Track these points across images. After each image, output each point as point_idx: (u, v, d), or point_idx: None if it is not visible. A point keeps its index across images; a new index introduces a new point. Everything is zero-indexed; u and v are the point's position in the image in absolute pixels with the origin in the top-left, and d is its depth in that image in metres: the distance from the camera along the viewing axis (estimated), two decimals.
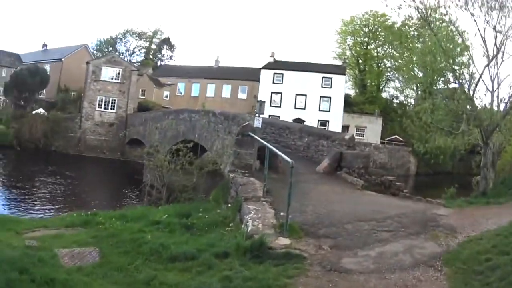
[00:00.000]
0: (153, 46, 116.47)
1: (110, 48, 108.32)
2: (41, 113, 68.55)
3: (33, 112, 68.35)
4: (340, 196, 15.82)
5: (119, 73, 66.99)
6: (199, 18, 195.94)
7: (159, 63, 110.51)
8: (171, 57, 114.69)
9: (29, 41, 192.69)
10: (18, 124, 64.59)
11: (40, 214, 28.72)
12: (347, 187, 18.06)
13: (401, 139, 73.97)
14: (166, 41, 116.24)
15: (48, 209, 31.53)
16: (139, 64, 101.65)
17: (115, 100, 66.41)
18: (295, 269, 8.46)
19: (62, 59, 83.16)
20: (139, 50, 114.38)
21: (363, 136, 75.61)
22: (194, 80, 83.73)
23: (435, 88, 34.71)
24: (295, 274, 8.24)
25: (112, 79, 66.73)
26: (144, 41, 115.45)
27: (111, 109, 66.34)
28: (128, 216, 14.84)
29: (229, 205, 15.08)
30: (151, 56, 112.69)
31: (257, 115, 21.87)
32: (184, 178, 25.18)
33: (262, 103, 21.92)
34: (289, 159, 11.19)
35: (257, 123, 21.00)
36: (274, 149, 14.56)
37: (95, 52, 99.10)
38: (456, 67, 27.73)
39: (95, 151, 64.35)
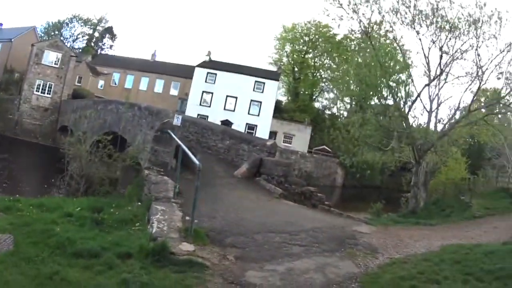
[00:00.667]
0: (96, 34, 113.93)
1: (56, 32, 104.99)
2: None
3: None
4: (255, 204, 15.59)
5: (58, 58, 65.49)
6: (144, 10, 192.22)
7: (99, 51, 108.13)
8: (111, 46, 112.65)
9: None
10: None
11: None
12: (264, 194, 17.84)
13: (329, 150, 73.63)
14: (109, 30, 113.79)
15: None
16: (80, 50, 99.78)
17: (51, 85, 64.86)
18: (195, 278, 7.99)
19: (12, 40, 79.51)
20: (82, 37, 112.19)
21: (291, 144, 75.34)
22: (129, 72, 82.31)
23: (368, 103, 34.46)
24: (193, 284, 7.80)
25: (52, 63, 65.16)
26: (88, 27, 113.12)
27: (47, 93, 64.73)
28: (46, 205, 14.04)
29: (140, 203, 14.35)
30: (92, 44, 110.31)
31: (177, 113, 21.78)
32: (105, 171, 24.18)
33: (183, 101, 21.75)
34: (197, 161, 10.71)
35: (177, 121, 20.72)
36: (186, 149, 13.91)
37: (42, 35, 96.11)
38: (393, 84, 28.01)
39: (29, 136, 62.70)
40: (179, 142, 15.72)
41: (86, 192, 22.43)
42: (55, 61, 65.44)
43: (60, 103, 64.52)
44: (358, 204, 39.66)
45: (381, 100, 29.88)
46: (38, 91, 64.47)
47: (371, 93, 31.28)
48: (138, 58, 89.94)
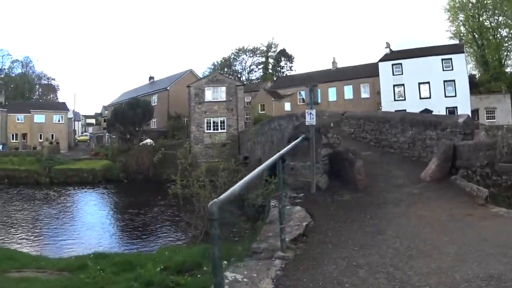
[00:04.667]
0: (271, 60, 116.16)
1: (226, 70, 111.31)
2: (149, 143, 68.70)
3: (140, 143, 69.53)
4: (443, 230, 9.41)
5: (223, 91, 64.82)
6: (310, 23, 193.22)
7: (280, 75, 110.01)
8: (291, 67, 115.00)
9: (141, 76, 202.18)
10: (124, 157, 66.11)
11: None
12: (462, 203, 11.73)
13: None
14: (283, 53, 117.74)
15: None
16: (259, 80, 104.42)
17: (224, 120, 64.23)
18: None
19: (168, 88, 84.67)
20: (257, 66, 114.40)
21: (494, 119, 66.73)
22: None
23: None
24: None
25: (216, 98, 64.71)
26: (259, 56, 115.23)
27: (221, 129, 64.13)
28: (132, 262, 13.25)
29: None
30: (270, 70, 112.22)
31: (308, 107, 14.15)
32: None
33: (313, 88, 14.44)
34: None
35: (310, 119, 13.57)
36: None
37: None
38: None
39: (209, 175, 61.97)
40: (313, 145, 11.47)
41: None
42: (220, 96, 64.63)
43: (238, 135, 63.12)
44: None
45: None
46: (210, 129, 63.84)
47: None
48: (319, 70, 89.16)
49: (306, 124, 13.57)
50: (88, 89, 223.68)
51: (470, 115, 56.64)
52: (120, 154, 67.99)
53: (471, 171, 13.91)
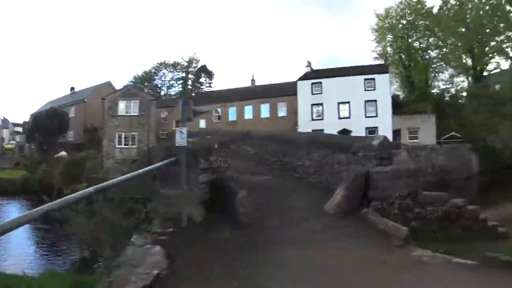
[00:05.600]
0: (191, 76, 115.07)
1: (146, 83, 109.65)
2: (62, 156, 67.04)
3: (55, 155, 68.19)
4: (353, 282, 7.08)
5: (137, 105, 61.62)
6: (233, 40, 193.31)
7: (199, 91, 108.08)
8: (210, 84, 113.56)
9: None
10: (40, 169, 64.51)
11: None
12: (373, 245, 9.27)
13: (459, 136, 67.44)
14: (203, 69, 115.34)
15: None
16: (178, 96, 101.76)
17: (135, 135, 60.84)
18: None
19: (85, 99, 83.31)
20: (176, 82, 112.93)
21: (417, 139, 67.45)
22: (230, 104, 78.27)
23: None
24: None
25: (129, 112, 61.44)
26: (179, 71, 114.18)
27: (131, 144, 60.62)
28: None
29: None
30: (190, 86, 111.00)
31: (181, 124, 11.93)
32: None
33: (186, 102, 11.08)
34: None
35: (180, 139, 10.69)
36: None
37: None
38: None
39: (125, 193, 59.78)
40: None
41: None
42: (132, 110, 61.51)
43: (148, 151, 58.98)
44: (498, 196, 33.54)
45: None
46: (121, 144, 60.34)
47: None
48: (237, 87, 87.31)
49: (176, 145, 10.69)
50: (20, 96, 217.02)
51: (391, 135, 57.23)
52: (38, 166, 66.10)
53: (388, 203, 11.74)
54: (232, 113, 77.80)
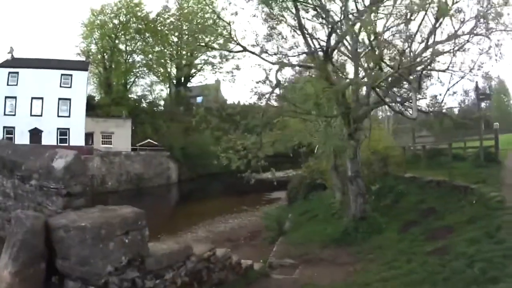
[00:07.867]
0: None
1: None
2: None
3: None
4: None
5: None
6: None
7: None
8: None
9: None
10: None
11: None
12: None
13: (156, 143, 68.36)
14: None
15: None
16: None
17: None
18: None
19: None
20: None
21: (111, 144, 65.65)
22: None
23: None
24: None
25: None
26: None
27: None
28: None
29: None
30: None
31: None
32: None
33: None
34: None
35: None
36: None
37: None
38: None
39: None
40: None
41: None
42: None
43: None
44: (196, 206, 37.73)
45: None
46: None
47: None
48: None
49: None
50: None
51: (83, 139, 53.39)
52: None
53: (97, 285, 6.49)
54: None
